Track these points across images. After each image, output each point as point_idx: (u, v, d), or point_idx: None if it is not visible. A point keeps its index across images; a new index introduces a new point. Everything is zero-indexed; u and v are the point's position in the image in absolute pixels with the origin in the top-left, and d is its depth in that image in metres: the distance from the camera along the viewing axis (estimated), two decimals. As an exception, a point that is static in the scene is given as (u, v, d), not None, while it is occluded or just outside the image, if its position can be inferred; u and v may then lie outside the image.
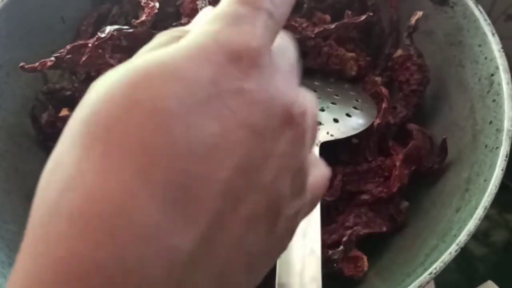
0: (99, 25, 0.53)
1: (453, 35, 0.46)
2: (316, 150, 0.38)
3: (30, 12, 0.50)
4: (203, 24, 0.18)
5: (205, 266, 0.16)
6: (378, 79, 0.48)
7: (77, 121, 0.17)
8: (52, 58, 0.44)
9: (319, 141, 0.39)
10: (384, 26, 0.51)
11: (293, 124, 0.19)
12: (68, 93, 0.49)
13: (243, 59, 0.18)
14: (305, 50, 0.47)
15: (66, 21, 0.53)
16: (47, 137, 0.48)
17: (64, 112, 0.48)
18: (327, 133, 0.40)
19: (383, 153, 0.45)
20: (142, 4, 0.46)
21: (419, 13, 0.46)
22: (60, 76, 0.52)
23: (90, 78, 0.48)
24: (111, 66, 0.42)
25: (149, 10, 0.47)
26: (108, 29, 0.43)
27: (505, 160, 0.36)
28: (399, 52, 0.48)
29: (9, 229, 0.41)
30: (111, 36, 0.42)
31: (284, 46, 0.22)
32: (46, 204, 0.16)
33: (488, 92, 0.41)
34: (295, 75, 0.21)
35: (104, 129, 0.16)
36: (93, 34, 0.51)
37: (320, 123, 0.41)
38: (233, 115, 0.17)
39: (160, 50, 0.18)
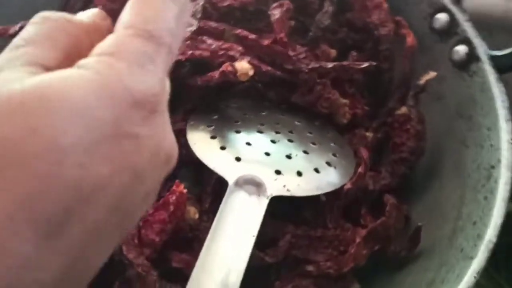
0: (89, 3, 0.48)
1: (465, 107, 0.40)
2: (264, 203, 0.33)
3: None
4: (100, 55, 0.18)
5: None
6: (369, 135, 0.42)
7: None
8: (17, 28, 0.40)
9: (271, 194, 0.33)
10: (394, 76, 0.45)
11: (170, 164, 0.21)
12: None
13: (145, 106, 0.18)
14: (296, 83, 0.41)
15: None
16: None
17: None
18: (284, 186, 0.34)
19: (351, 220, 0.39)
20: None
21: (432, 74, 0.40)
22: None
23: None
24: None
25: None
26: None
27: (474, 277, 0.30)
28: (404, 109, 0.43)
29: None
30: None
31: None
32: None
33: (482, 186, 0.35)
34: None
35: None
36: (79, 10, 0.47)
37: (279, 172, 0.35)
38: (124, 158, 0.18)
39: (54, 75, 0.17)
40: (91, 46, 0.19)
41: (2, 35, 0.40)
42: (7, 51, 0.19)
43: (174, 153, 0.21)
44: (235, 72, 0.37)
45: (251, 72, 0.37)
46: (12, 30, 0.40)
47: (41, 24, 0.20)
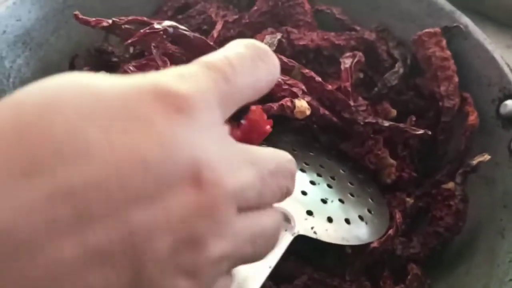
0: (181, 12, 0.52)
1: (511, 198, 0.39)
2: (288, 238, 0.34)
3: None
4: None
5: None
6: (410, 201, 0.42)
7: None
8: (110, 21, 0.43)
9: (297, 231, 0.34)
10: (448, 150, 0.44)
11: (198, 187, 0.17)
12: (114, 59, 0.48)
13: (171, 101, 0.17)
14: (349, 133, 0.42)
15: (154, -6, 0.53)
16: (75, 89, 0.47)
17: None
18: (312, 228, 0.35)
19: (371, 278, 0.39)
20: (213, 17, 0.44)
21: (486, 157, 0.40)
22: (120, 41, 0.51)
23: (142, 55, 0.47)
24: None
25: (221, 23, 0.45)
26: (165, 23, 0.41)
27: None
28: (451, 185, 0.42)
29: None
30: (164, 30, 0.40)
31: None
32: None
33: (510, 280, 0.34)
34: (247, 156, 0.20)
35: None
36: (170, 18, 0.50)
37: (310, 213, 0.36)
38: (136, 146, 0.16)
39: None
40: None
41: (94, 27, 0.43)
42: None
43: (205, 175, 0.17)
44: (293, 108, 0.38)
45: (308, 112, 0.38)
46: (105, 23, 0.43)
47: None
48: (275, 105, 0.39)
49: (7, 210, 0.15)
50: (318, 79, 0.41)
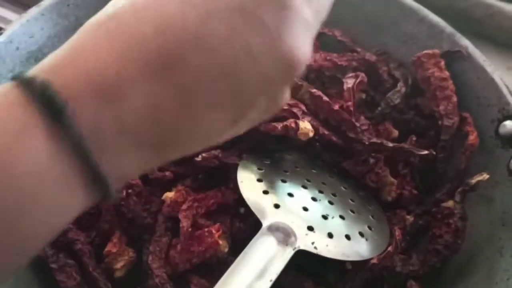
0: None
1: (510, 217, 0.40)
2: (289, 253, 0.34)
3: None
4: None
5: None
6: (410, 218, 0.43)
7: None
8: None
9: (298, 246, 0.35)
10: (448, 169, 0.45)
11: (292, 68, 0.21)
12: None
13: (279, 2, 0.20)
14: (350, 151, 0.43)
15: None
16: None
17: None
18: (312, 243, 0.36)
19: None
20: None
21: (485, 176, 0.40)
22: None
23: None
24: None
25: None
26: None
27: None
28: (450, 203, 0.43)
29: None
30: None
31: None
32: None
33: (507, 299, 0.34)
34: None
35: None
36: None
37: (311, 229, 0.36)
38: (241, 34, 0.20)
39: None
40: None
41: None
42: None
43: (295, 58, 0.21)
44: (296, 130, 0.39)
45: (311, 134, 0.39)
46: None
47: None
48: (279, 125, 0.40)
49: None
50: (326, 98, 0.42)
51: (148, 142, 0.20)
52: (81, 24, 0.48)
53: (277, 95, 0.23)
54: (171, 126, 0.20)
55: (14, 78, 0.19)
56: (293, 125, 0.40)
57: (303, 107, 0.42)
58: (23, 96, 0.18)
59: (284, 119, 0.41)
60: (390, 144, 0.42)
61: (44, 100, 0.18)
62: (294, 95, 0.43)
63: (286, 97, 0.24)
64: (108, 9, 0.22)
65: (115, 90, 0.19)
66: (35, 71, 0.20)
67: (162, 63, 0.19)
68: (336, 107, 0.42)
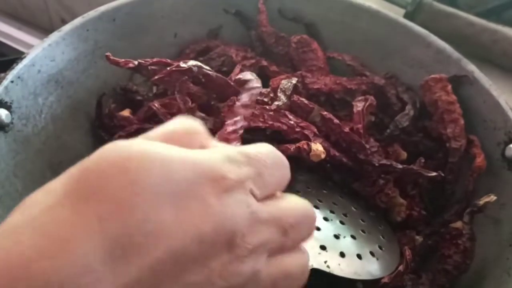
0: (202, 54, 0.55)
1: (518, 239, 0.41)
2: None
3: (151, 16, 0.53)
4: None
5: None
6: (419, 239, 0.44)
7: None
8: (136, 62, 0.46)
9: (311, 265, 0.36)
10: (456, 190, 0.46)
11: (231, 251, 0.21)
12: (139, 97, 0.51)
13: (221, 184, 0.21)
14: (361, 172, 0.44)
15: (178, 37, 0.56)
16: (101, 125, 0.50)
17: (125, 112, 0.50)
18: (325, 262, 0.37)
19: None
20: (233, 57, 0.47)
21: (492, 198, 0.41)
22: (144, 81, 0.54)
23: (165, 95, 0.50)
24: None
25: (239, 67, 0.48)
26: (191, 63, 0.44)
27: None
28: (459, 224, 0.44)
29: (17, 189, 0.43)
30: (189, 69, 0.43)
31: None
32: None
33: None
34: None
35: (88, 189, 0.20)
36: (192, 60, 0.53)
37: (324, 248, 0.37)
38: (188, 215, 0.20)
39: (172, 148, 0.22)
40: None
41: (123, 67, 0.46)
42: None
43: (237, 230, 0.22)
44: (309, 151, 0.40)
45: (323, 156, 0.41)
46: (131, 64, 0.46)
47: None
48: (292, 147, 0.41)
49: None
50: (336, 121, 0.43)
51: None
52: (100, 48, 0.50)
53: None
54: None
55: None
56: (305, 146, 0.41)
57: (315, 129, 0.43)
58: None
59: (297, 141, 0.42)
60: (399, 166, 0.43)
61: None
62: (305, 117, 0.45)
63: None
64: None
65: None
66: None
67: (114, 252, 0.19)
68: (347, 129, 0.43)
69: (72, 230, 0.19)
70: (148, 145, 0.21)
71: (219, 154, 0.23)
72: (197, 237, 0.20)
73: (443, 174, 0.43)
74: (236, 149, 0.24)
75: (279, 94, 0.45)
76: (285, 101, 0.44)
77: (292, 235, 0.25)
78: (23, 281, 0.18)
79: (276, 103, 0.44)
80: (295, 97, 0.45)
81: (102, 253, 0.19)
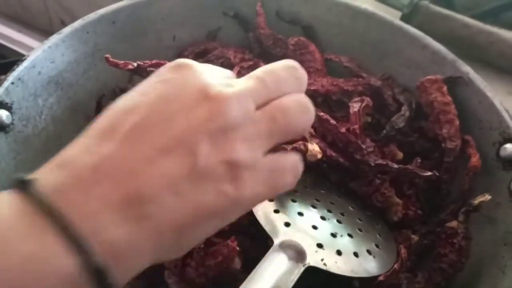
0: (200, 56, 0.55)
1: (512, 237, 0.41)
2: (300, 269, 0.36)
3: (150, 19, 0.54)
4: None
5: None
6: (415, 237, 0.44)
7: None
8: (135, 64, 0.47)
9: (308, 263, 0.36)
10: (452, 190, 0.47)
11: (206, 100, 0.25)
12: (138, 99, 0.51)
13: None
14: (357, 172, 0.45)
15: (177, 40, 0.57)
16: (101, 126, 0.50)
17: (124, 113, 0.50)
18: (322, 260, 0.37)
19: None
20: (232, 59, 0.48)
21: (487, 197, 0.42)
22: (143, 82, 0.54)
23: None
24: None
25: (237, 69, 0.49)
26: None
27: None
28: (454, 223, 0.44)
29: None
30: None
31: None
32: None
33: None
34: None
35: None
36: (190, 62, 0.54)
37: (321, 246, 0.38)
38: (157, 90, 0.26)
39: None
40: None
41: (122, 68, 0.47)
42: None
43: (212, 92, 0.26)
44: (305, 151, 0.41)
45: (319, 156, 0.41)
46: (131, 65, 0.47)
47: None
48: (288, 147, 0.42)
49: None
50: (333, 121, 0.44)
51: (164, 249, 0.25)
52: (99, 50, 0.51)
53: None
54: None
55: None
56: (302, 146, 0.41)
57: (311, 130, 0.44)
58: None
59: (293, 141, 0.42)
60: (395, 166, 0.44)
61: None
62: None
63: None
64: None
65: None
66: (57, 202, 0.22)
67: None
68: (343, 129, 0.44)
69: None
70: None
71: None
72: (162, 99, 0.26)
73: (438, 174, 0.43)
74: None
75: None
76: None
77: (278, 77, 0.29)
78: None
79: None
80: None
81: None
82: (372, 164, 0.44)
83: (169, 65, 0.28)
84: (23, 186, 0.22)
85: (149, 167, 0.23)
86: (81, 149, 0.24)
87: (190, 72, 0.27)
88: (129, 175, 0.23)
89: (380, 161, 0.44)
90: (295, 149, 0.41)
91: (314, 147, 0.42)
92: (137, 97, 0.26)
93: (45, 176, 0.23)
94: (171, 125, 0.24)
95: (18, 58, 0.46)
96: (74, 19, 0.50)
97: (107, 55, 0.46)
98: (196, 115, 0.25)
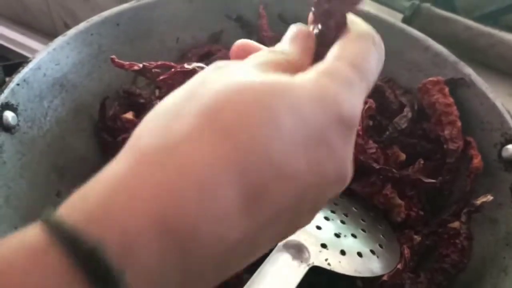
0: (204, 58, 0.56)
1: (514, 237, 0.41)
2: (304, 269, 0.36)
3: (153, 22, 0.54)
4: (319, 72, 0.22)
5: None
6: (417, 238, 0.44)
7: (201, 111, 0.19)
8: (140, 65, 0.47)
9: (312, 263, 0.37)
10: (454, 191, 0.47)
11: (342, 184, 0.23)
12: (142, 101, 0.52)
13: (347, 124, 0.21)
14: (359, 172, 0.45)
15: (180, 42, 0.57)
16: (104, 128, 0.51)
17: (128, 115, 0.51)
18: (326, 259, 0.37)
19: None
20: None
21: (489, 197, 0.42)
22: (147, 84, 0.55)
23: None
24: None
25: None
26: (193, 64, 0.45)
27: None
28: (456, 224, 0.45)
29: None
30: (193, 70, 0.44)
31: None
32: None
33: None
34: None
35: (225, 124, 0.19)
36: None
37: (325, 246, 0.38)
38: (317, 162, 0.20)
39: (282, 76, 0.21)
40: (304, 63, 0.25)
41: (127, 69, 0.47)
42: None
43: (349, 176, 0.23)
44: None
45: None
46: (136, 66, 0.47)
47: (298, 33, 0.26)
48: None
49: None
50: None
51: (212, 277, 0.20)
52: (103, 52, 0.51)
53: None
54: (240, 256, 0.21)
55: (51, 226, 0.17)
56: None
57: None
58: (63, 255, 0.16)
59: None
60: (397, 173, 0.44)
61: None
62: None
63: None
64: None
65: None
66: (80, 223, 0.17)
67: (249, 197, 0.19)
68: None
69: (213, 173, 0.18)
70: (274, 79, 0.21)
71: (329, 77, 0.22)
72: (319, 182, 0.21)
73: (441, 181, 0.44)
74: (343, 63, 0.23)
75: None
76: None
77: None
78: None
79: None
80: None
81: (239, 200, 0.18)
82: (377, 167, 0.44)
83: (336, 115, 0.22)
84: None
85: None
86: None
87: (350, 141, 0.23)
88: None
89: (382, 167, 0.44)
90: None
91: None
92: (297, 158, 0.21)
93: None
94: None
95: (21, 60, 0.46)
96: (77, 21, 0.50)
97: (113, 56, 0.46)
98: None
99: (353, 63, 0.23)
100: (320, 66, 0.23)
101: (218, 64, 0.23)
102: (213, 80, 0.21)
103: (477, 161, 0.46)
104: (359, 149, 0.44)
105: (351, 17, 0.26)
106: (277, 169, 0.19)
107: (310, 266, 0.36)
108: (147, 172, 0.18)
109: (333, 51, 0.24)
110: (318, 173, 0.21)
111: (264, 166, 0.19)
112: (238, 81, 0.20)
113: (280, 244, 0.37)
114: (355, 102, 0.22)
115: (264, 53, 0.25)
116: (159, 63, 0.47)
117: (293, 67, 0.24)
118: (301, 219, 0.23)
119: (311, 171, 0.20)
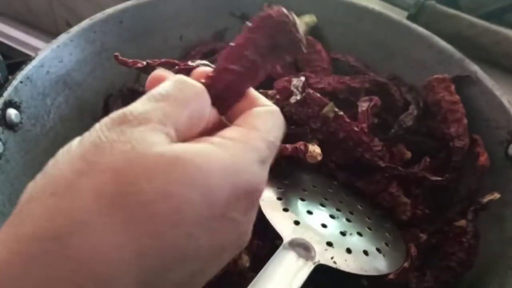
0: (208, 56, 0.55)
1: (521, 235, 0.41)
2: (309, 267, 0.36)
3: (156, 19, 0.54)
4: (237, 142, 0.21)
5: None
6: (423, 236, 0.44)
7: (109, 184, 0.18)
8: (144, 62, 0.47)
9: (318, 261, 0.36)
10: (460, 189, 0.47)
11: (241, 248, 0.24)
12: (145, 98, 0.52)
13: (252, 198, 0.22)
14: (366, 168, 0.45)
15: (183, 40, 0.57)
16: (108, 125, 0.50)
17: (132, 112, 0.50)
18: (332, 258, 0.37)
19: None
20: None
21: (496, 195, 0.42)
22: (150, 82, 0.54)
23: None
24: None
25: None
26: (197, 62, 0.44)
27: None
28: (462, 222, 0.44)
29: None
30: (197, 67, 0.44)
31: None
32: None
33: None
34: None
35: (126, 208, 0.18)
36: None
37: (330, 244, 0.38)
38: (221, 237, 0.21)
39: (193, 148, 0.20)
40: (209, 125, 0.23)
41: (131, 67, 0.47)
42: (145, 101, 0.21)
43: (248, 240, 0.24)
44: (305, 152, 0.41)
45: (319, 158, 0.41)
46: (140, 64, 0.47)
47: (180, 85, 0.22)
48: (289, 147, 0.42)
49: None
50: (347, 119, 0.44)
51: None
52: (106, 49, 0.51)
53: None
54: None
55: None
56: (302, 147, 0.41)
57: (313, 125, 0.44)
58: None
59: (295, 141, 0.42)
60: (403, 171, 0.44)
61: None
62: (318, 111, 0.44)
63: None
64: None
65: None
66: None
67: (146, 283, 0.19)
68: (356, 128, 0.44)
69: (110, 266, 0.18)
70: (186, 153, 0.20)
71: (249, 153, 0.22)
72: (219, 254, 0.21)
73: (447, 178, 0.43)
74: (262, 143, 0.23)
75: (293, 90, 0.45)
76: (301, 95, 0.44)
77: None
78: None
79: (294, 97, 0.44)
80: (310, 91, 0.45)
81: (135, 284, 0.18)
82: (383, 166, 0.44)
83: (247, 192, 0.22)
84: None
85: None
86: None
87: (252, 220, 0.24)
88: None
89: (388, 165, 0.44)
90: (296, 149, 0.41)
91: (314, 149, 0.42)
92: (199, 238, 0.21)
93: None
94: None
95: (24, 59, 0.46)
96: (79, 20, 0.50)
97: (116, 53, 0.46)
98: None
99: (267, 139, 0.23)
100: (233, 131, 0.22)
101: (116, 120, 0.21)
102: (108, 151, 0.19)
103: (483, 158, 0.45)
104: (364, 147, 0.44)
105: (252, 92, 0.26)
106: (177, 253, 0.19)
107: (316, 264, 0.36)
108: (31, 267, 0.17)
109: (247, 120, 0.24)
110: (219, 247, 0.21)
111: (163, 251, 0.19)
112: (140, 154, 0.19)
113: (286, 242, 0.36)
114: (263, 176, 0.22)
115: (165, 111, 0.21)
116: (162, 60, 0.47)
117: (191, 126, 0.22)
118: (207, 277, 0.22)
119: (212, 247, 0.20)
